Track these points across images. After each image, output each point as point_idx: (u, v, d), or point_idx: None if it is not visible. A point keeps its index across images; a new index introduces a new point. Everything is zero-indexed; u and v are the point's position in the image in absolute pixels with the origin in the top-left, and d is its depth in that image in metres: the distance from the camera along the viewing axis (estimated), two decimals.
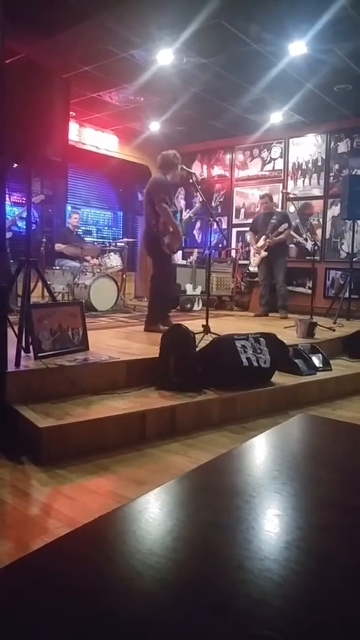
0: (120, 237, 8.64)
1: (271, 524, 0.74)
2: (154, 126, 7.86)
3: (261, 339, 3.32)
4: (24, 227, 6.99)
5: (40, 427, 2.26)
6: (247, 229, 8.47)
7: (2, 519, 1.75)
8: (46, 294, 5.98)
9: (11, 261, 4.87)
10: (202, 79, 5.92)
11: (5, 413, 2.47)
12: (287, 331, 4.83)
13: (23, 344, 2.88)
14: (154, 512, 0.78)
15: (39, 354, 2.91)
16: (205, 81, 6.00)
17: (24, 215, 6.10)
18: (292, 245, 7.48)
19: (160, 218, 4.36)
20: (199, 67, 5.61)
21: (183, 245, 9.26)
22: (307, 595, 0.58)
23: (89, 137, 7.92)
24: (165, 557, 0.64)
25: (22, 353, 2.83)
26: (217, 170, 8.90)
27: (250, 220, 8.44)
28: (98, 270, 6.28)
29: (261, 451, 1.06)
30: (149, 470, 2.22)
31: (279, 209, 7.00)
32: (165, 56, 5.34)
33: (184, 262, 7.89)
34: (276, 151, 8.10)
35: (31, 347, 2.92)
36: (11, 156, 2.57)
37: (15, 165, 2.97)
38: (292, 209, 7.50)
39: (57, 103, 2.82)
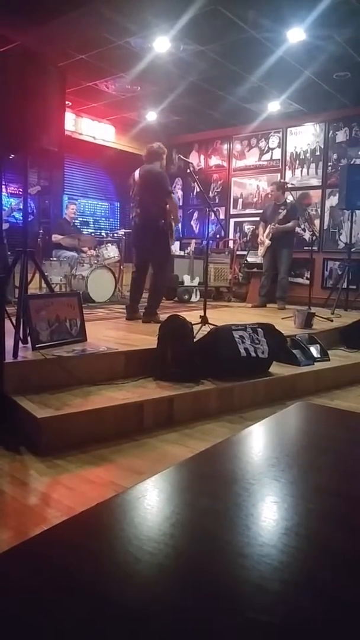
0: (118, 227, 8.60)
1: (270, 511, 0.74)
2: (151, 116, 7.80)
3: (259, 329, 3.32)
4: (21, 218, 6.96)
5: (39, 417, 2.26)
6: (245, 219, 8.46)
7: (1, 509, 1.75)
8: (44, 285, 5.97)
9: (8, 253, 4.85)
10: (199, 67, 5.86)
11: (4, 404, 2.46)
12: (285, 322, 4.83)
13: (21, 335, 2.88)
14: (151, 499, 0.78)
15: (37, 345, 2.90)
16: (202, 69, 5.93)
17: (21, 206, 6.06)
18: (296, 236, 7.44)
19: (168, 211, 4.36)
20: (195, 54, 5.55)
21: (180, 235, 9.24)
22: (306, 581, 0.58)
23: (86, 127, 7.85)
24: (164, 543, 0.64)
25: (20, 344, 2.83)
26: (214, 160, 8.84)
27: (248, 211, 8.42)
28: (95, 262, 6.26)
29: (259, 439, 1.06)
30: (147, 460, 2.23)
31: (288, 199, 6.93)
32: (161, 44, 5.27)
33: (182, 253, 7.86)
34: (274, 141, 8.05)
35: (29, 338, 2.92)
36: (7, 147, 2.54)
37: (12, 156, 2.94)
38: (290, 199, 7.47)
39: (53, 92, 2.79)
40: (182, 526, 0.68)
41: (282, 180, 7.39)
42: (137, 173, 4.56)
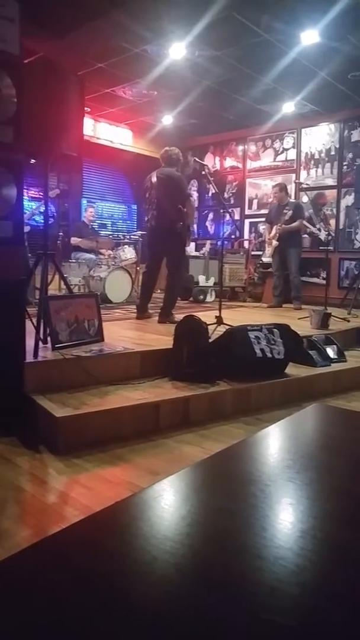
0: (135, 229, 8.66)
1: (286, 513, 0.75)
2: (167, 119, 7.84)
3: (275, 329, 3.32)
4: (42, 221, 7.06)
5: (57, 416, 2.30)
6: (260, 219, 8.44)
7: (21, 506, 1.79)
8: (63, 286, 6.05)
9: (29, 255, 4.93)
10: (214, 71, 5.89)
11: (24, 403, 2.52)
12: (301, 322, 4.81)
13: (41, 335, 2.93)
14: (168, 499, 0.80)
15: (56, 345, 2.95)
16: (217, 73, 5.96)
17: (42, 209, 6.15)
18: (305, 236, 7.41)
19: (185, 213, 4.40)
20: (210, 59, 5.58)
21: (196, 236, 9.26)
22: (322, 583, 0.58)
23: (104, 131, 7.94)
24: (180, 542, 0.65)
25: (40, 344, 2.88)
26: (229, 162, 8.84)
27: (263, 211, 8.40)
28: (113, 263, 6.32)
29: (275, 440, 1.08)
30: (163, 461, 2.26)
31: (292, 199, 6.93)
32: (177, 50, 5.32)
33: (197, 253, 7.88)
34: (289, 141, 8.02)
35: (49, 338, 2.97)
36: (29, 152, 2.61)
37: (33, 160, 3.00)
38: (305, 199, 7.44)
39: (73, 100, 2.86)
40: (199, 526, 0.70)
41: (296, 181, 7.36)
42: (154, 175, 4.58)
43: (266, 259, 7.38)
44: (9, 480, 1.96)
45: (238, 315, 5.50)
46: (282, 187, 6.58)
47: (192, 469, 0.91)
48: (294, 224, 6.34)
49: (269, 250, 6.61)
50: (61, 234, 6.49)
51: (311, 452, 0.95)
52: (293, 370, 3.43)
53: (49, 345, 2.95)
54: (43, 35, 4.83)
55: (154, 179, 4.55)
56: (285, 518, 0.73)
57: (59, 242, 6.32)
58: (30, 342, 2.72)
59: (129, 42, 5.19)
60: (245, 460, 0.93)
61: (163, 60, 5.59)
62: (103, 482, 2.02)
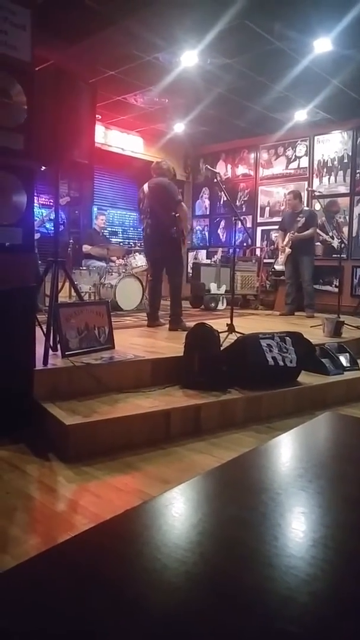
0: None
1: (297, 522, 0.73)
2: (179, 127, 7.89)
3: (287, 338, 3.29)
4: (52, 228, 7.11)
5: (67, 424, 2.29)
6: (272, 227, 8.43)
7: (29, 514, 1.78)
8: (73, 293, 6.08)
9: (39, 262, 4.97)
10: (226, 79, 5.92)
11: (33, 410, 2.52)
12: (314, 330, 4.76)
13: (51, 342, 2.94)
14: (179, 507, 0.79)
15: (67, 353, 2.95)
16: (229, 81, 5.99)
17: (52, 216, 6.17)
18: (318, 243, 7.38)
19: (179, 219, 4.47)
20: (222, 67, 5.61)
21: (207, 244, 9.27)
22: (334, 593, 0.57)
23: (115, 139, 8.00)
24: (191, 550, 0.64)
25: (50, 351, 2.89)
26: (241, 170, 8.86)
27: (275, 219, 8.39)
28: (123, 270, 6.34)
29: (287, 449, 1.05)
30: (174, 469, 2.23)
31: (306, 207, 6.91)
32: (189, 58, 5.37)
33: (208, 261, 7.88)
34: (301, 149, 8.02)
35: (59, 345, 2.97)
36: (39, 159, 2.62)
37: (44, 168, 3.03)
38: (317, 206, 7.41)
39: (84, 107, 2.88)
40: (210, 534, 0.68)
41: (308, 189, 7.34)
42: (146, 186, 4.72)
43: (279, 267, 7.35)
44: (18, 487, 1.95)
45: (250, 323, 5.46)
46: (296, 195, 6.56)
47: (204, 477, 0.89)
48: (307, 232, 6.32)
49: (281, 257, 6.59)
50: (71, 241, 6.54)
51: (323, 461, 0.93)
52: (305, 378, 3.39)
53: (59, 352, 2.95)
54: (54, 43, 4.90)
55: (146, 189, 4.66)
56: (297, 527, 0.71)
57: (69, 249, 6.36)
58: (40, 350, 2.73)
59: (141, 50, 5.24)
60: (257, 468, 0.91)
61: (175, 68, 5.64)
62: (113, 491, 2.00)
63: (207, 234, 9.40)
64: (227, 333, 3.80)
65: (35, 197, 6.56)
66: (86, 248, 6.66)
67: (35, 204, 6.74)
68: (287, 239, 6.44)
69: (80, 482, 2.05)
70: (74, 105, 2.77)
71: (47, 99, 2.61)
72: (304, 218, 6.31)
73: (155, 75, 5.86)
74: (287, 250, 6.43)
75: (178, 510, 0.77)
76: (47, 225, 6.34)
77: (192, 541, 0.67)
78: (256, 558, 0.63)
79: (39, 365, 2.68)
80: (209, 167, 4.75)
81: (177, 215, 4.52)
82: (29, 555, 1.48)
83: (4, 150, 2.35)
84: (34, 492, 1.95)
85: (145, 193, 4.68)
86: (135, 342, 3.73)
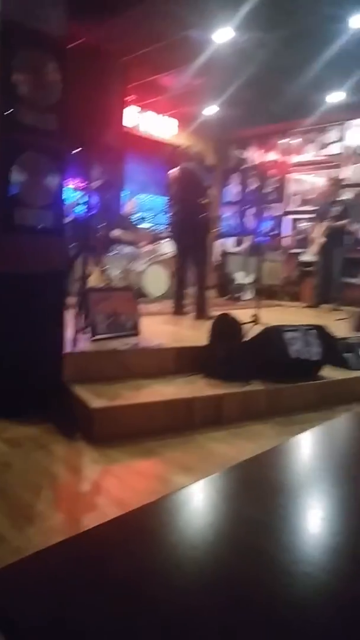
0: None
1: (316, 527, 0.74)
2: (211, 110, 7.78)
3: (311, 331, 3.28)
4: (83, 212, 7.14)
5: (93, 407, 2.36)
6: (302, 216, 8.29)
7: (55, 492, 1.86)
8: (103, 278, 6.14)
9: (71, 245, 5.04)
10: (261, 57, 5.75)
11: (61, 391, 2.59)
12: (339, 324, 4.71)
13: (80, 326, 3.00)
14: (197, 505, 0.81)
15: (95, 337, 3.02)
16: (264, 59, 5.82)
17: (84, 199, 6.18)
18: (348, 236, 7.23)
19: (208, 205, 4.45)
20: (257, 44, 5.45)
21: (235, 232, 9.19)
22: (353, 601, 0.57)
23: (146, 121, 7.95)
24: (205, 551, 0.65)
25: (79, 335, 2.96)
26: (272, 156, 8.70)
27: (305, 208, 8.24)
28: (152, 257, 6.36)
29: (308, 448, 1.07)
30: (195, 457, 2.28)
31: (344, 197, 6.74)
32: (223, 34, 5.24)
33: (235, 249, 7.83)
34: (334, 134, 7.81)
35: (88, 330, 3.04)
36: (71, 142, 2.64)
37: (74, 151, 3.04)
38: (346, 196, 7.24)
39: (115, 87, 2.85)
40: (226, 536, 0.69)
41: (339, 177, 7.17)
42: (174, 171, 4.67)
43: (306, 257, 7.25)
44: (45, 466, 2.03)
45: (275, 315, 5.43)
46: (336, 182, 6.41)
47: (223, 475, 0.92)
48: (341, 222, 6.19)
49: (314, 247, 6.48)
50: (102, 225, 6.57)
51: (346, 464, 0.94)
52: (328, 372, 3.38)
53: (88, 336, 3.01)
54: (85, 20, 4.85)
55: (175, 175, 4.62)
56: (315, 532, 0.73)
57: (99, 234, 6.41)
58: (69, 333, 2.79)
59: (173, 27, 5.12)
60: (277, 468, 0.94)
61: (208, 46, 5.51)
62: (134, 475, 2.06)
63: (235, 221, 9.32)
64: (251, 324, 3.81)
65: (67, 180, 6.58)
66: (115, 233, 6.69)
67: (67, 187, 6.79)
68: (321, 229, 6.32)
69: (103, 464, 2.11)
70: (105, 85, 2.74)
71: (78, 78, 2.58)
72: (341, 207, 6.18)
73: (188, 54, 5.72)
74: (322, 239, 6.31)
75: (195, 508, 0.79)
76: (79, 209, 6.40)
77: (207, 542, 0.68)
78: (273, 564, 0.64)
79: (68, 348, 2.75)
80: (237, 153, 4.71)
81: (206, 201, 4.49)
82: (55, 531, 1.56)
83: (36, 130, 2.36)
84: (59, 470, 2.03)
85: (174, 178, 4.66)
86: (160, 330, 3.77)
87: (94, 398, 2.48)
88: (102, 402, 2.45)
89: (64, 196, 2.62)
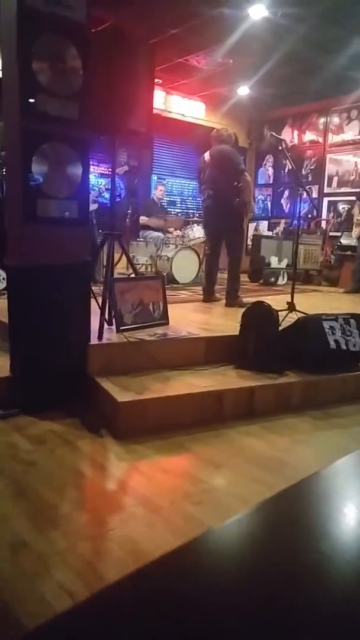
0: None
1: (354, 592, 0.62)
2: (243, 90, 7.51)
3: (352, 320, 3.09)
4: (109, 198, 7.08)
5: (119, 401, 2.28)
6: (340, 198, 7.95)
7: (80, 491, 1.79)
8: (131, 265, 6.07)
9: (100, 231, 4.98)
10: (298, 32, 5.44)
11: (88, 385, 2.53)
12: None
13: (106, 317, 2.93)
14: (224, 554, 0.70)
15: (121, 328, 2.94)
16: (301, 35, 5.51)
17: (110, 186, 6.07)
18: None
19: (242, 189, 4.26)
20: (294, 19, 5.15)
21: (269, 215, 8.92)
22: None
23: (175, 104, 7.77)
24: (227, 610, 0.56)
25: (105, 326, 2.88)
26: (309, 136, 8.36)
27: (344, 189, 7.90)
28: (181, 242, 6.24)
29: (349, 479, 0.94)
30: (225, 452, 2.17)
31: None
32: (257, 11, 4.99)
33: (270, 233, 7.59)
34: None
35: (114, 320, 2.96)
36: (95, 128, 2.54)
37: (101, 137, 2.94)
38: None
39: (142, 71, 2.74)
40: (253, 592, 0.59)
41: None
42: (207, 155, 4.50)
43: (347, 241, 6.96)
44: (70, 463, 1.97)
45: (312, 301, 5.24)
46: None
47: (256, 512, 0.81)
48: None
49: (355, 231, 6.22)
50: (129, 211, 6.49)
51: None
52: None
53: (114, 327, 2.94)
54: (111, 2, 4.71)
55: (207, 158, 4.44)
56: (353, 599, 0.60)
57: (127, 220, 6.33)
58: (95, 324, 2.72)
59: (205, 5, 4.91)
60: (315, 506, 0.82)
61: (241, 24, 5.26)
62: (162, 472, 1.97)
63: (269, 204, 9.04)
64: (287, 312, 3.64)
65: (93, 166, 6.55)
66: (143, 219, 6.59)
67: (93, 173, 6.73)
68: None
69: (130, 461, 2.04)
70: (130, 70, 2.62)
71: (102, 63, 2.48)
72: None
73: (219, 33, 5.49)
74: None
75: (223, 557, 0.69)
76: (106, 195, 6.32)
77: (230, 603, 0.58)
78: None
79: (93, 340, 2.68)
80: (273, 133, 4.48)
81: (240, 185, 4.31)
82: (79, 535, 1.49)
83: (59, 120, 2.28)
84: (85, 468, 1.96)
85: (206, 162, 4.49)
86: (190, 318, 3.66)
87: (120, 391, 2.40)
88: (129, 395, 2.36)
89: (88, 186, 2.53)
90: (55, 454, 2.03)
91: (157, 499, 1.74)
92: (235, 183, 4.29)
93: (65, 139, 2.35)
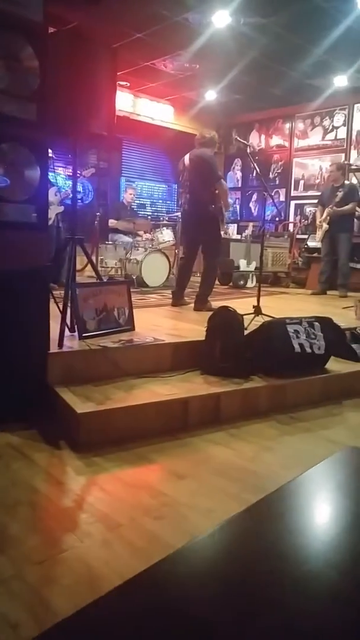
0: (175, 210, 8.46)
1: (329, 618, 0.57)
2: (210, 95, 7.53)
3: (316, 323, 3.09)
4: (79, 200, 6.95)
5: (78, 412, 2.20)
6: (307, 201, 8.05)
7: (33, 509, 1.70)
8: (100, 269, 5.97)
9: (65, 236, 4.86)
10: (261, 41, 5.52)
11: (46, 395, 2.44)
12: (346, 312, 4.53)
13: (68, 324, 2.84)
14: (187, 574, 0.65)
15: (84, 334, 2.85)
16: (264, 44, 5.59)
17: (79, 189, 5.93)
18: (356, 220, 6.98)
19: (218, 196, 4.22)
20: (257, 28, 5.22)
21: (239, 218, 8.96)
22: None
23: (144, 107, 7.72)
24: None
25: (68, 333, 2.80)
26: (275, 140, 8.44)
27: (310, 193, 8.00)
28: (150, 246, 6.18)
29: (307, 498, 0.90)
30: (189, 462, 2.12)
31: (347, 181, 6.52)
32: (221, 18, 5.01)
33: (238, 236, 7.61)
34: (339, 119, 7.55)
35: (76, 327, 2.87)
36: (55, 130, 2.46)
37: (62, 139, 2.86)
38: (355, 180, 7.00)
39: (103, 73, 2.66)
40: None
41: (345, 162, 6.94)
42: (186, 158, 4.43)
43: (313, 244, 7.04)
44: (25, 479, 1.88)
45: (279, 303, 5.26)
46: (340, 167, 6.20)
47: (217, 532, 0.75)
48: (346, 207, 5.98)
49: (319, 234, 6.29)
50: (99, 214, 6.40)
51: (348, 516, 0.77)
52: (334, 365, 3.20)
53: (76, 334, 2.85)
54: (76, 3, 4.63)
55: (187, 162, 4.39)
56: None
57: (96, 222, 6.23)
58: (55, 332, 2.63)
59: (169, 10, 4.89)
60: (277, 531, 0.77)
61: (205, 30, 5.28)
62: (123, 486, 1.90)
63: (238, 207, 9.09)
64: (253, 315, 3.63)
65: (61, 168, 6.40)
66: (112, 222, 6.51)
67: (60, 175, 6.59)
68: (325, 214, 6.12)
69: (89, 475, 1.96)
70: (91, 72, 2.56)
71: (62, 65, 2.42)
72: (343, 192, 5.97)
73: (184, 38, 5.51)
74: (325, 226, 6.11)
75: (185, 580, 0.63)
76: (71, 198, 6.20)
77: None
78: None
79: (53, 347, 2.59)
80: (238, 137, 4.47)
81: (217, 191, 4.26)
82: (27, 559, 1.41)
83: (15, 121, 2.20)
84: (40, 484, 1.87)
85: (185, 165, 4.41)
86: (157, 323, 3.60)
87: (81, 401, 2.32)
88: (89, 406, 2.28)
89: (47, 189, 2.44)
90: (10, 469, 1.94)
91: (115, 515, 1.67)
92: (213, 189, 4.24)
93: (23, 140, 2.27)
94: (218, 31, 5.29)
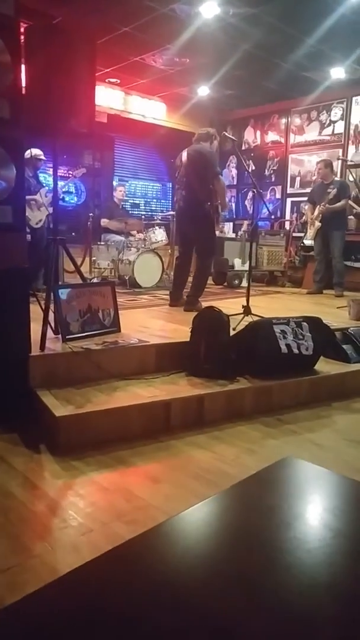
0: (169, 209, 8.42)
1: None
2: (203, 91, 7.45)
3: (304, 323, 3.06)
4: (70, 201, 6.94)
5: (57, 415, 2.18)
6: (303, 198, 7.99)
7: (6, 515, 1.68)
8: (94, 269, 5.94)
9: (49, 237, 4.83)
10: (252, 33, 5.39)
11: (28, 399, 2.42)
12: (340, 312, 4.48)
13: (52, 326, 2.81)
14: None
15: (67, 337, 2.83)
16: (256, 36, 5.46)
17: (68, 189, 5.96)
18: (351, 217, 6.93)
19: (215, 193, 4.15)
20: (247, 19, 5.08)
21: (233, 217, 8.91)
22: None
23: (135, 105, 7.65)
24: None
25: (52, 335, 2.77)
26: (271, 136, 8.38)
27: (307, 189, 7.93)
28: (142, 246, 6.14)
29: (233, 509, 0.86)
30: (167, 466, 2.09)
31: (337, 177, 6.48)
32: (209, 9, 4.89)
33: (233, 235, 7.57)
34: (337, 113, 7.47)
35: (59, 329, 2.84)
36: (31, 128, 2.42)
37: (38, 137, 2.82)
38: (351, 177, 6.94)
39: (81, 67, 2.60)
40: None
41: (343, 157, 6.87)
42: (184, 153, 4.35)
43: (309, 242, 6.99)
44: (1, 483, 1.85)
45: (272, 303, 5.22)
46: (328, 164, 6.13)
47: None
48: (338, 204, 5.93)
49: (310, 232, 6.24)
50: (91, 214, 6.37)
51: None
52: (324, 366, 3.16)
53: (59, 336, 2.82)
54: None
55: (184, 157, 4.31)
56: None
57: (89, 222, 6.20)
58: (37, 334, 2.60)
59: (155, 1, 4.77)
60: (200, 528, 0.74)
61: (193, 21, 5.15)
62: (98, 490, 1.88)
63: (234, 205, 9.03)
64: (242, 315, 3.59)
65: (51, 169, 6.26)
66: (104, 222, 6.47)
67: (51, 176, 6.50)
68: (316, 212, 6.07)
69: (66, 479, 1.94)
70: (68, 66, 2.48)
71: (38, 60, 2.37)
72: (335, 189, 5.92)
73: (172, 31, 5.36)
74: (317, 224, 6.07)
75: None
76: (66, 198, 6.18)
77: None
78: None
79: (35, 350, 2.56)
80: (226, 133, 4.41)
81: (213, 189, 4.19)
82: None
83: None
84: (15, 489, 1.85)
85: (182, 161, 4.31)
86: (144, 325, 3.57)
87: (62, 405, 2.29)
88: (69, 409, 2.26)
89: (24, 188, 2.41)
90: None
91: (88, 520, 1.65)
92: (210, 186, 4.17)
93: None
94: (207, 22, 5.16)
